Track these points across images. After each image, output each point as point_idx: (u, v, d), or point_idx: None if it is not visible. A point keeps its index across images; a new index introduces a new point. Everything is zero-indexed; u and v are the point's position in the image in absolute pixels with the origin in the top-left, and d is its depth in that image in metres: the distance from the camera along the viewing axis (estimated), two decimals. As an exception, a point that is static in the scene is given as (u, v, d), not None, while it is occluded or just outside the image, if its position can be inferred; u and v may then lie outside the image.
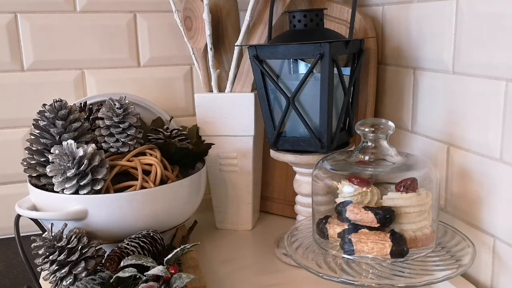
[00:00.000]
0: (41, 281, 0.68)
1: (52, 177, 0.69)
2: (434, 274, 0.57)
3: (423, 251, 0.61)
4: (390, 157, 0.64)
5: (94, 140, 0.75)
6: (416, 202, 0.59)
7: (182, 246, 0.63)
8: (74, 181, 0.67)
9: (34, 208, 0.72)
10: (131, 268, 0.59)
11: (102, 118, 0.75)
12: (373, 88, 0.87)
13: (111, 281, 0.60)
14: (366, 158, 0.64)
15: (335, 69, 0.71)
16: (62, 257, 0.62)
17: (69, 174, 0.67)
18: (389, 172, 0.63)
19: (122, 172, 0.74)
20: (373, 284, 0.56)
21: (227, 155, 0.89)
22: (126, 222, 0.70)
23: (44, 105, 0.71)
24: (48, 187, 0.71)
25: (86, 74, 0.96)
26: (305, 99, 0.73)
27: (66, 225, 0.66)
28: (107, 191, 0.71)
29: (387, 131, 0.64)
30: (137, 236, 0.67)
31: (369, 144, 0.64)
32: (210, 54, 0.86)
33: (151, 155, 0.76)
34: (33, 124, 0.72)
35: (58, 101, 0.71)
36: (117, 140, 0.75)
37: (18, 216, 0.71)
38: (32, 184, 0.72)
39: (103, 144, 0.75)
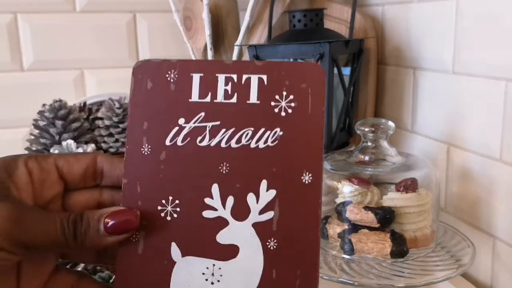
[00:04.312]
0: (41, 281, 0.68)
1: (52, 177, 0.69)
2: (434, 274, 0.57)
3: (423, 251, 0.60)
4: (390, 157, 0.64)
5: (94, 140, 0.75)
6: (416, 202, 0.59)
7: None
8: (74, 181, 0.67)
9: (34, 208, 0.72)
10: (131, 268, 0.59)
11: (101, 118, 0.75)
12: (373, 88, 0.87)
13: (111, 281, 0.60)
14: (366, 158, 0.64)
15: (335, 69, 0.71)
16: (62, 257, 0.61)
17: (69, 174, 0.67)
18: (389, 172, 0.63)
19: (122, 172, 0.74)
20: (373, 284, 0.56)
21: (227, 155, 0.89)
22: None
23: (44, 105, 0.71)
24: (48, 187, 0.71)
25: (86, 74, 0.96)
26: (305, 99, 0.73)
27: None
28: (107, 191, 0.71)
29: (387, 131, 0.64)
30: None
31: (369, 144, 0.64)
32: (210, 54, 0.86)
33: (151, 155, 0.76)
34: (33, 124, 0.72)
35: (58, 101, 0.71)
36: (117, 140, 0.75)
37: (18, 216, 0.71)
38: (32, 184, 0.72)
39: (102, 144, 0.75)
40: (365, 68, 0.86)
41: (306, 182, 0.30)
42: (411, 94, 0.80)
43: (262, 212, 0.31)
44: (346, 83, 0.75)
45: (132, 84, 0.32)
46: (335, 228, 0.62)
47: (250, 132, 0.31)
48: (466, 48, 0.66)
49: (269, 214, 0.30)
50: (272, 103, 0.31)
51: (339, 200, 0.62)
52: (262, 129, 0.31)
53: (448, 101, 0.71)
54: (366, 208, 0.59)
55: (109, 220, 0.30)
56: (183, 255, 0.31)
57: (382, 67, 0.88)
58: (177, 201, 0.31)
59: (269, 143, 0.31)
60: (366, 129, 0.64)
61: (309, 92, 0.31)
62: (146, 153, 0.32)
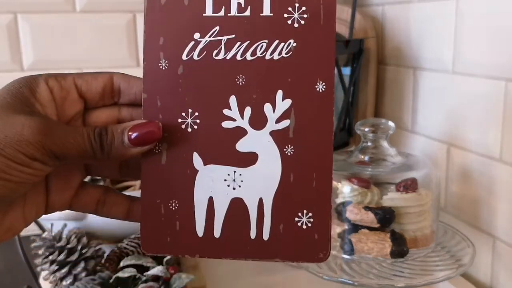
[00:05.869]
0: (41, 281, 0.68)
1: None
2: (434, 274, 0.57)
3: (423, 251, 0.60)
4: (390, 157, 0.64)
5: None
6: (416, 202, 0.59)
7: (182, 246, 0.63)
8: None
9: (34, 208, 0.72)
10: (130, 268, 0.59)
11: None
12: (373, 88, 0.87)
13: (110, 281, 0.60)
14: (366, 158, 0.64)
15: (335, 69, 0.71)
16: (61, 257, 0.61)
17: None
18: (389, 172, 0.63)
19: (122, 172, 0.74)
20: (373, 284, 0.56)
21: (227, 155, 0.89)
22: (126, 222, 0.69)
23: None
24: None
25: (86, 74, 0.96)
26: (305, 99, 0.73)
27: (66, 225, 0.66)
28: (107, 191, 0.71)
29: (387, 131, 0.64)
30: (136, 236, 0.67)
31: (369, 144, 0.64)
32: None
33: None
34: (33, 124, 0.72)
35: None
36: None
37: (18, 216, 0.71)
38: (32, 184, 0.72)
39: (103, 144, 0.75)
40: (365, 68, 0.86)
41: (320, 90, 0.32)
42: (411, 94, 0.80)
43: (278, 120, 0.32)
44: (346, 83, 0.75)
45: (146, 1, 0.33)
46: (335, 228, 0.62)
47: (265, 44, 0.32)
48: (466, 48, 0.67)
49: (286, 123, 0.32)
50: (285, 15, 0.32)
51: (339, 200, 0.62)
52: (276, 41, 0.32)
53: (448, 101, 0.71)
54: (366, 208, 0.59)
55: (132, 133, 0.31)
56: (205, 163, 0.33)
57: (382, 67, 0.88)
58: (196, 113, 0.32)
59: (283, 54, 0.32)
60: (366, 129, 0.64)
61: (321, 3, 0.32)
62: (164, 68, 0.33)
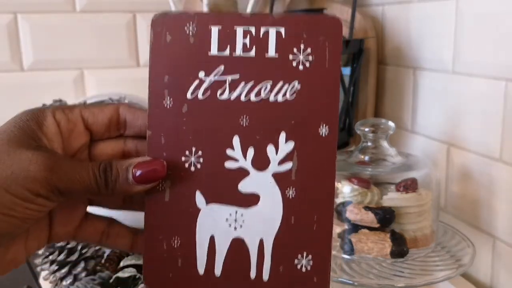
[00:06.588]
0: (41, 281, 0.68)
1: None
2: (434, 274, 0.57)
3: (423, 251, 0.60)
4: (390, 157, 0.64)
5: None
6: (416, 202, 0.59)
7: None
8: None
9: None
10: (130, 268, 0.59)
11: (102, 118, 0.75)
12: (373, 88, 0.87)
13: (110, 281, 0.60)
14: (366, 158, 0.64)
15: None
16: (61, 257, 0.62)
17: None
18: (389, 172, 0.63)
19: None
20: (373, 284, 0.56)
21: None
22: (126, 222, 0.69)
23: (44, 105, 0.71)
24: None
25: (86, 74, 0.96)
26: (305, 99, 0.73)
27: (66, 225, 0.66)
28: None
29: (387, 131, 0.64)
30: (137, 236, 0.67)
31: (369, 144, 0.64)
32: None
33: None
34: (33, 124, 0.72)
35: (58, 101, 0.71)
36: (117, 140, 0.75)
37: (18, 216, 0.71)
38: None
39: (103, 144, 0.75)
40: (365, 68, 0.86)
41: (323, 134, 0.32)
42: (411, 94, 0.80)
43: (281, 162, 0.32)
44: (346, 83, 0.75)
45: (152, 37, 0.33)
46: (335, 228, 0.62)
47: (269, 86, 0.32)
48: (466, 48, 0.67)
49: (288, 165, 0.32)
50: (290, 57, 0.32)
51: (339, 200, 0.62)
52: (281, 82, 0.32)
53: (448, 101, 0.71)
54: (366, 208, 0.59)
55: (137, 170, 0.31)
56: (208, 202, 0.33)
57: (382, 67, 0.88)
58: (200, 152, 0.33)
59: (287, 96, 0.32)
60: (366, 129, 0.64)
61: (326, 45, 0.32)
62: (168, 106, 0.33)
